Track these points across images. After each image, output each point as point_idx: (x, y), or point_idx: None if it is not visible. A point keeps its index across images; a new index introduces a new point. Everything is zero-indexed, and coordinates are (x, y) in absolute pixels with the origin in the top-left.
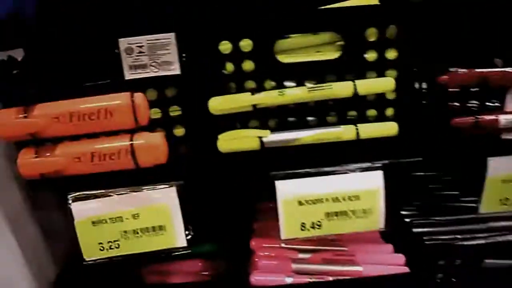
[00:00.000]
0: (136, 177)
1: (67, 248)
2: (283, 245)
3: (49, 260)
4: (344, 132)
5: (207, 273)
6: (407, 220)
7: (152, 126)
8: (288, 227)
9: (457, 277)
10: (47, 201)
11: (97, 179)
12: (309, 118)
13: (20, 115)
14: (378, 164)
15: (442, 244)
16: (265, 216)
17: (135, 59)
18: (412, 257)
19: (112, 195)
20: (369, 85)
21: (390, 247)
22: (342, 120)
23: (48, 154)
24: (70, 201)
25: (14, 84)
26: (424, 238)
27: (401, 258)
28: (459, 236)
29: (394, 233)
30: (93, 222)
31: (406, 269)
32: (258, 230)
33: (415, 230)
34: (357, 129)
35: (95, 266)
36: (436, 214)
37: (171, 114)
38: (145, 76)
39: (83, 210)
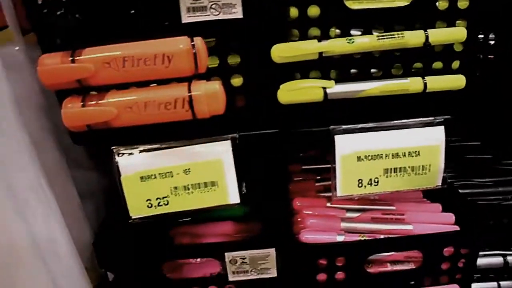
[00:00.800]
0: (188, 130)
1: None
2: (328, 204)
3: (87, 220)
4: (411, 84)
5: (239, 235)
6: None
7: (207, 75)
8: (344, 183)
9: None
10: (83, 159)
11: (145, 132)
12: (373, 70)
13: (67, 60)
14: (440, 120)
15: (490, 204)
16: (298, 177)
17: (194, 0)
18: (459, 217)
19: (162, 149)
20: (441, 35)
21: (438, 206)
22: (407, 73)
23: (96, 103)
24: (116, 155)
25: (59, 26)
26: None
27: (450, 217)
28: (501, 197)
29: (438, 193)
30: (141, 178)
31: (456, 228)
32: (294, 192)
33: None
34: (424, 81)
35: (132, 226)
36: (474, 176)
37: (230, 62)
38: (204, 19)
39: (131, 165)
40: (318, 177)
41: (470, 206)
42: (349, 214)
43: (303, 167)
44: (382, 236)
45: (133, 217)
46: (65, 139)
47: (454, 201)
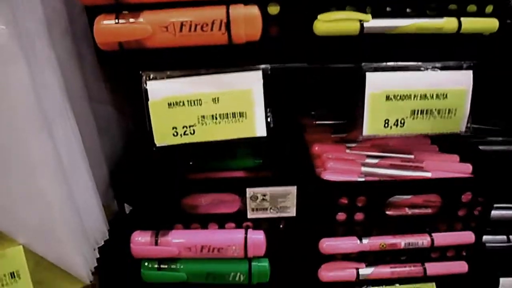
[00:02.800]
0: (220, 57)
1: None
2: (347, 151)
3: (104, 155)
4: (446, 24)
5: None
6: None
7: (244, 0)
8: (371, 122)
9: None
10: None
11: (176, 57)
12: (408, 10)
13: None
14: (469, 64)
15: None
16: (310, 130)
17: None
18: (476, 168)
19: (192, 76)
20: None
21: (456, 157)
22: (441, 14)
23: (131, 20)
24: (145, 79)
25: None
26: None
27: (468, 167)
28: None
29: (454, 146)
30: (169, 104)
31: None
32: (309, 141)
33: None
34: (459, 21)
35: (152, 161)
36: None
37: None
38: None
39: (159, 90)
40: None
41: (487, 158)
42: (368, 160)
43: (317, 122)
44: None
45: (157, 145)
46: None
47: (470, 154)
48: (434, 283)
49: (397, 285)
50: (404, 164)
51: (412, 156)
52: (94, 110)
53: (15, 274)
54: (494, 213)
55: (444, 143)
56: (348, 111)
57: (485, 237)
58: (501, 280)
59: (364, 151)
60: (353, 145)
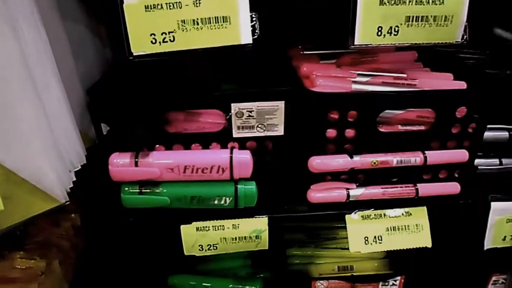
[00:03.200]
0: None
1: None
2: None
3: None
4: None
5: None
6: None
7: None
8: (364, 30)
9: None
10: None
11: None
12: None
13: None
14: None
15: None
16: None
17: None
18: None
19: None
20: None
21: (450, 75)
22: None
23: None
24: None
25: None
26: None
27: (462, 84)
28: None
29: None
30: (146, 7)
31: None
32: (297, 66)
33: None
34: None
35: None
36: None
37: None
38: None
39: None
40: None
41: (481, 75)
42: (359, 78)
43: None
44: None
45: (134, 54)
46: None
47: (464, 73)
48: (425, 207)
49: (388, 210)
50: (396, 82)
51: (405, 75)
52: (67, 31)
53: None
54: (487, 134)
55: (437, 65)
56: (337, 37)
57: (477, 161)
58: (492, 204)
59: (355, 69)
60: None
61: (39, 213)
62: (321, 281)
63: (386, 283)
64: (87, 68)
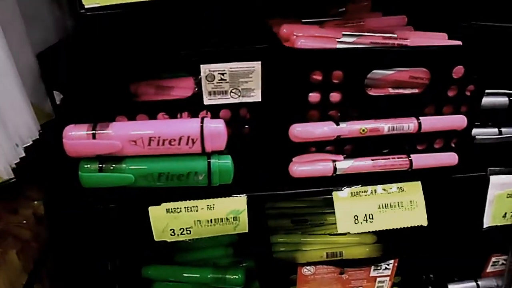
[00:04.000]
0: None
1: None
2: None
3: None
4: None
5: None
6: None
7: None
8: None
9: None
10: None
11: None
12: None
13: None
14: None
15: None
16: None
17: None
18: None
19: None
20: None
21: (444, 35)
22: None
23: None
24: None
25: None
26: None
27: (458, 43)
28: None
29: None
30: None
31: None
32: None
33: None
34: None
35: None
36: None
37: None
38: None
39: None
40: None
41: (477, 33)
42: (345, 39)
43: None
44: None
45: (86, 6)
46: None
47: (460, 33)
48: (419, 182)
49: (380, 186)
50: (386, 42)
51: (395, 35)
52: None
53: None
54: (484, 100)
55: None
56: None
57: (475, 130)
58: (491, 178)
59: (340, 30)
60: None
61: None
62: (308, 267)
63: (379, 267)
64: (42, 36)
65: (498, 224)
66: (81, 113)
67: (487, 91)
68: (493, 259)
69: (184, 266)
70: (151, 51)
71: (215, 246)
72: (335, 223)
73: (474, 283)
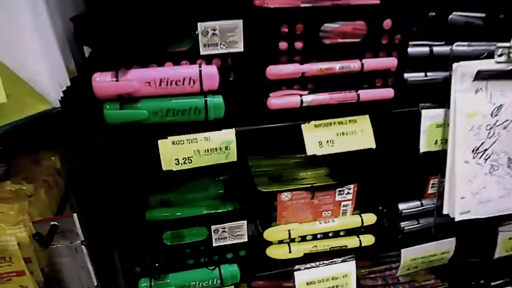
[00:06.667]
0: None
1: None
2: None
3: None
4: None
5: None
6: None
7: None
8: None
9: None
10: None
11: None
12: None
13: None
14: None
15: None
16: None
17: None
18: None
19: None
20: None
21: None
22: None
23: None
24: None
25: None
26: None
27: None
28: None
29: None
30: None
31: None
32: None
33: None
34: None
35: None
36: None
37: None
38: None
39: None
40: None
41: None
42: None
43: None
44: None
45: None
46: None
47: None
48: (367, 115)
49: (337, 119)
50: (335, 3)
51: None
52: None
53: None
54: (412, 50)
55: None
56: None
57: (407, 75)
58: (423, 111)
59: None
60: None
61: (34, 113)
62: (285, 193)
63: (342, 192)
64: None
65: (432, 150)
66: (105, 63)
67: (412, 42)
68: (432, 181)
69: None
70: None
71: (205, 199)
72: (306, 178)
73: (418, 202)
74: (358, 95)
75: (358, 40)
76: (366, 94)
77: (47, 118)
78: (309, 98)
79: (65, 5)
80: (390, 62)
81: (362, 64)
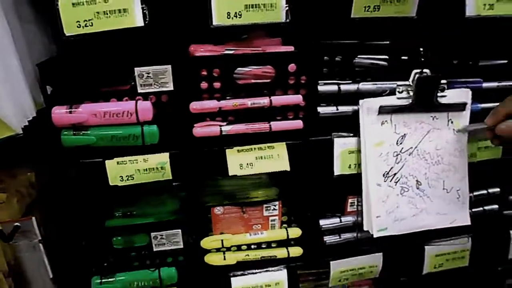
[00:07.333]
0: None
1: None
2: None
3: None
4: None
5: None
6: None
7: None
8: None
9: None
10: None
11: None
12: None
13: None
14: None
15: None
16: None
17: None
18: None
19: None
20: None
21: (279, 40)
22: None
23: None
24: None
25: None
26: None
27: (291, 48)
28: None
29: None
30: (73, 4)
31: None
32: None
33: None
34: None
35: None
36: None
37: None
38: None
39: None
40: None
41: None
42: (228, 51)
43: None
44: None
45: (67, 34)
46: None
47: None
48: (284, 143)
49: (256, 145)
50: (250, 51)
51: (259, 48)
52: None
53: None
54: (322, 88)
55: None
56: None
57: (319, 108)
58: (335, 140)
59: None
60: None
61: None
62: (218, 207)
63: (268, 208)
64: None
65: (346, 173)
66: (63, 99)
67: (322, 82)
68: (350, 200)
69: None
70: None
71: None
72: (258, 197)
73: (338, 219)
74: (270, 126)
75: (268, 80)
76: (277, 125)
77: (13, 141)
78: (228, 128)
79: (36, 51)
80: (295, 98)
81: (271, 101)
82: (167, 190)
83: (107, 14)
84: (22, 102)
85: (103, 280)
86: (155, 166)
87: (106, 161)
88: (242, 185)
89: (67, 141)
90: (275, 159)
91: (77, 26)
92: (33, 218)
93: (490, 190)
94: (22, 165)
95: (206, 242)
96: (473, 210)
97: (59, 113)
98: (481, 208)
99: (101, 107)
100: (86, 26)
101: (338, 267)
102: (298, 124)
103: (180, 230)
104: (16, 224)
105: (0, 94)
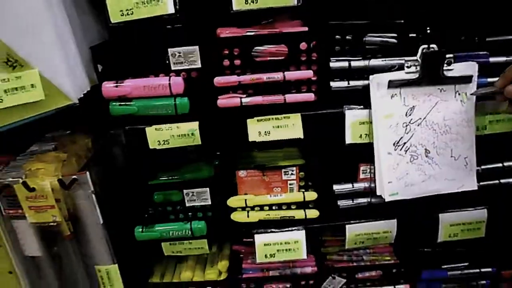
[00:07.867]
0: None
1: None
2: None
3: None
4: None
5: None
6: None
7: None
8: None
9: None
10: None
11: None
12: None
13: None
14: None
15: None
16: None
17: None
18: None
19: None
20: None
21: (298, 22)
22: None
23: None
24: None
25: None
26: None
27: (304, 28)
28: None
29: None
30: None
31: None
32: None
33: None
34: None
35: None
36: None
37: None
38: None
39: None
40: None
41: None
42: (248, 33)
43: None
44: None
45: (113, 22)
46: None
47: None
48: (299, 114)
49: (274, 115)
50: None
51: (276, 28)
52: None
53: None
54: (334, 64)
55: None
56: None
57: (332, 83)
58: (347, 112)
59: None
60: None
61: (61, 106)
62: (242, 171)
63: (287, 172)
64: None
65: (357, 142)
66: (111, 75)
67: (335, 58)
68: (362, 167)
69: None
70: (146, 46)
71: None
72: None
73: (350, 184)
74: (285, 98)
75: (282, 58)
76: (290, 97)
77: (70, 110)
78: (247, 100)
79: (91, 37)
80: (306, 73)
81: (284, 75)
82: (202, 159)
83: (144, 3)
84: (78, 77)
85: (144, 229)
86: (186, 132)
87: (146, 128)
88: (274, 157)
89: (115, 110)
90: (290, 128)
91: (121, 15)
92: (87, 172)
93: (506, 164)
94: (81, 131)
95: (232, 201)
96: (488, 182)
97: (108, 87)
98: (497, 181)
99: (141, 82)
100: (128, 14)
101: (352, 230)
102: (310, 96)
103: (208, 189)
104: (74, 177)
105: (60, 71)
